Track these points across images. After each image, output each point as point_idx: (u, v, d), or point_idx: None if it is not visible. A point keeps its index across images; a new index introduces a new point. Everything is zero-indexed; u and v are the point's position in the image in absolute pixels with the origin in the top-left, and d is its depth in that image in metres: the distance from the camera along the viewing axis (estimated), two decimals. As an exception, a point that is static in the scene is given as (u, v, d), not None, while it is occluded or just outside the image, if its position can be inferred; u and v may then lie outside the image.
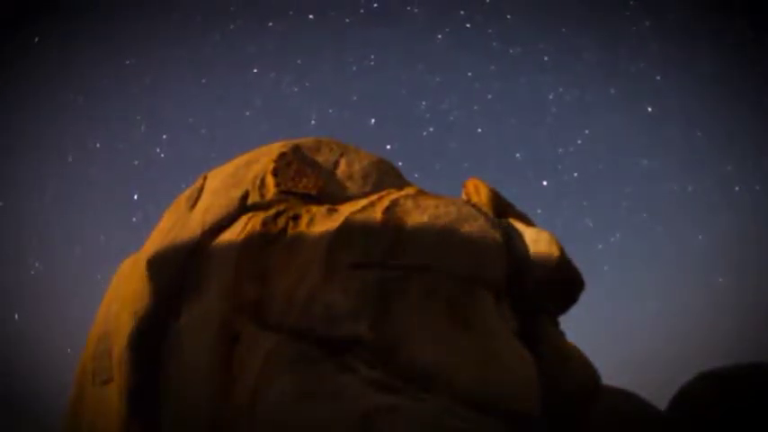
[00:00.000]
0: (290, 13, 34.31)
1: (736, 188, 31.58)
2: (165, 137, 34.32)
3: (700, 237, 32.87)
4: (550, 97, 35.04)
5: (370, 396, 7.42)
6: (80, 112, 32.21)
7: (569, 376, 9.34)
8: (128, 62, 32.98)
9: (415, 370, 7.67)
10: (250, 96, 36.99)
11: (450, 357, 7.81)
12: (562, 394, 8.92)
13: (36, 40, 29.18)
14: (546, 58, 34.45)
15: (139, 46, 32.62)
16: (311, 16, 34.00)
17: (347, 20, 34.40)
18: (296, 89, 35.01)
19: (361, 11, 34.16)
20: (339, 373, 7.67)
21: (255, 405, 7.79)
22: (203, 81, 35.15)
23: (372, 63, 35.13)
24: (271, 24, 34.48)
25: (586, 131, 34.78)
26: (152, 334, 9.28)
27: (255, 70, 35.02)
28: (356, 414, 7.27)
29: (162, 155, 33.55)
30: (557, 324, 10.28)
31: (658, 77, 32.80)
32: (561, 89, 34.87)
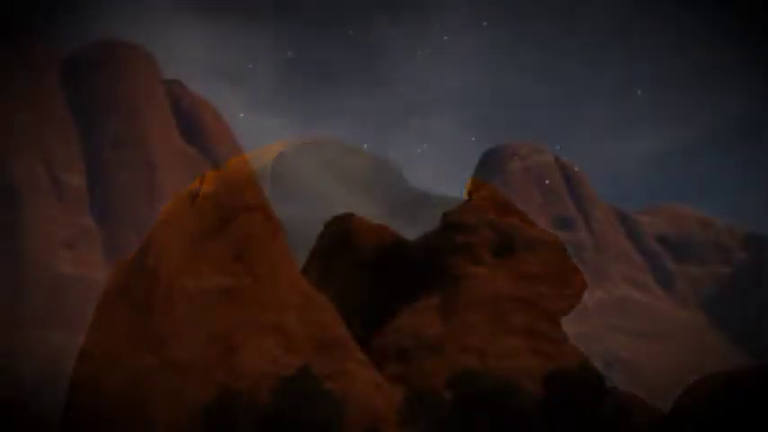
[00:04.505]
0: (272, 53, 34.54)
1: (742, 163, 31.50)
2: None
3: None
4: (541, 95, 35.10)
5: (374, 395, 7.41)
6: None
7: (570, 377, 9.30)
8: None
9: (420, 371, 7.63)
10: (240, 142, 37.35)
11: (453, 358, 7.78)
12: (563, 394, 8.89)
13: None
14: (529, 58, 34.57)
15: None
16: (290, 52, 34.20)
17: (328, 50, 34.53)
18: (287, 129, 35.24)
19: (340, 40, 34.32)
20: (340, 375, 7.66)
21: (255, 405, 7.77)
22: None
23: (359, 89, 35.36)
24: (250, 66, 34.78)
25: (581, 124, 34.87)
26: (151, 334, 9.23)
27: (242, 114, 35.20)
28: (360, 414, 7.24)
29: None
30: (559, 324, 10.24)
31: (644, 62, 32.87)
32: (550, 86, 34.96)
